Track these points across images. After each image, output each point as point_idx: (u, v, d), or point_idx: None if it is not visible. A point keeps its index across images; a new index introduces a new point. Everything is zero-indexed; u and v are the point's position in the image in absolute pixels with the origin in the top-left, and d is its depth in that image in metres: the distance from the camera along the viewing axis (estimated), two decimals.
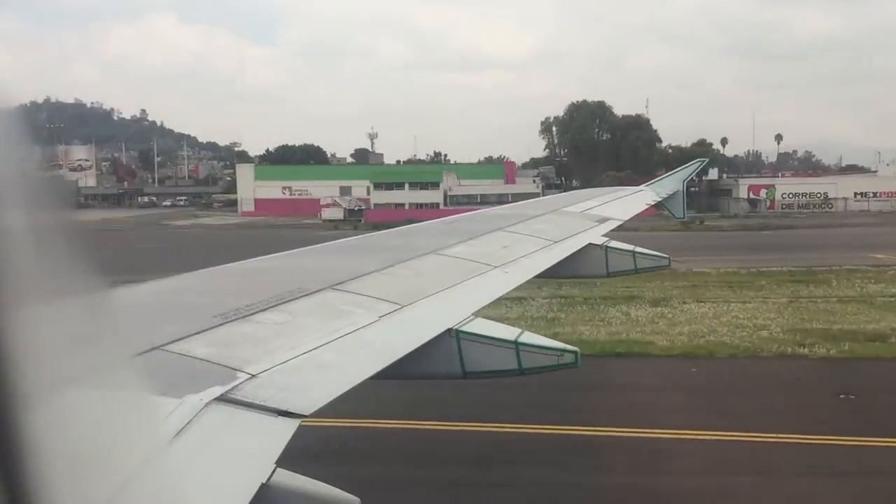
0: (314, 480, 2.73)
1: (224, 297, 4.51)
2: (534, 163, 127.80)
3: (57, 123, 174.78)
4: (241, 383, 3.15)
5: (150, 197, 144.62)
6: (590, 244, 8.73)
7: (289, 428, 2.91)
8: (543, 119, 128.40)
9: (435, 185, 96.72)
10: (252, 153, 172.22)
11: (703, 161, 19.15)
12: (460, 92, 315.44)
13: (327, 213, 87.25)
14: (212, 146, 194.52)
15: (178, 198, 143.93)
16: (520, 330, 4.81)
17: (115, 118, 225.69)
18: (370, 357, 3.95)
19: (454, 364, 4.57)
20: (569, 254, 8.10)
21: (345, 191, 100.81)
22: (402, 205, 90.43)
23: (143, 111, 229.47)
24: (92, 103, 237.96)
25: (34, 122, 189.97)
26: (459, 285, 5.67)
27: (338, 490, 2.78)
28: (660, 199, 14.65)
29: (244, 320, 4.02)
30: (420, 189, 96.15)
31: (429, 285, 5.47)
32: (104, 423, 1.99)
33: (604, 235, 9.41)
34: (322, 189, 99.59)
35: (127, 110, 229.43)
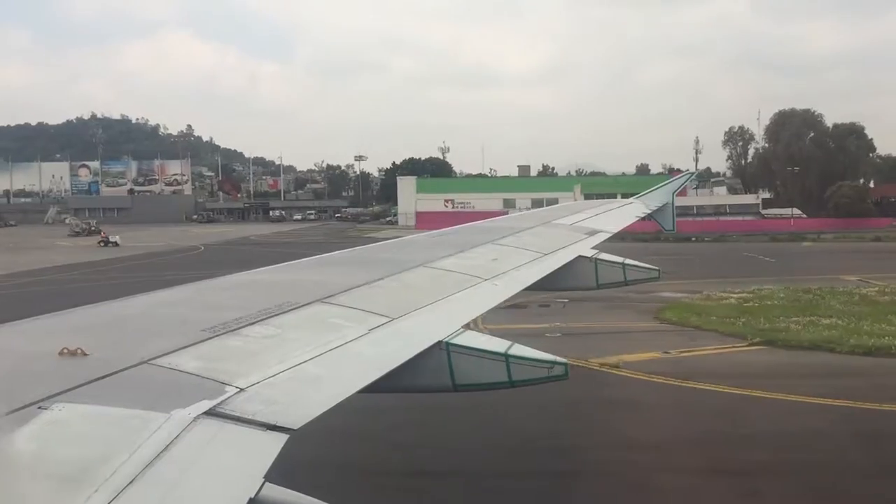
0: (302, 495, 2.72)
1: (213, 311, 4.49)
2: (699, 175, 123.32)
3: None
4: (229, 397, 3.14)
5: (280, 211, 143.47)
6: (580, 256, 8.74)
7: (277, 442, 2.89)
8: (727, 129, 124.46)
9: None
10: (299, 168, 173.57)
11: (692, 174, 19.38)
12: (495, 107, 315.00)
13: None
14: (259, 161, 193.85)
15: (308, 212, 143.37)
16: (510, 342, 4.81)
17: (161, 133, 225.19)
18: (360, 370, 3.93)
19: (444, 377, 4.57)
20: (559, 266, 8.11)
21: (508, 203, 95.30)
22: None
23: (190, 127, 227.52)
24: (137, 119, 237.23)
25: (93, 137, 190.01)
26: (449, 298, 5.67)
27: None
28: (650, 212, 14.72)
29: (233, 334, 4.01)
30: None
31: (419, 298, 5.46)
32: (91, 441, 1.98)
33: (593, 248, 9.43)
34: (485, 202, 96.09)
35: (173, 126, 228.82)
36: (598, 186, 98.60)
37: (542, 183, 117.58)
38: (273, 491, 2.57)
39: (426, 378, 4.53)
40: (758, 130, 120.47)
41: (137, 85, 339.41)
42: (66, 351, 3.35)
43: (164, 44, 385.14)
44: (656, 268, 9.47)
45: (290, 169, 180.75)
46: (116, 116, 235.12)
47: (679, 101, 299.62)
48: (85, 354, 3.35)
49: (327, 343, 4.10)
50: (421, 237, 10.25)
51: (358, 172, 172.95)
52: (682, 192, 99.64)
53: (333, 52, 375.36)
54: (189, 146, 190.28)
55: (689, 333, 22.19)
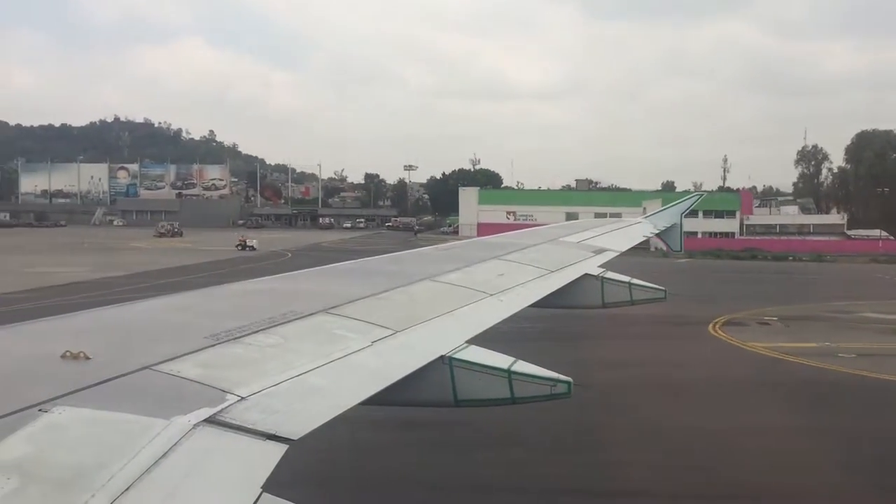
0: None
1: (217, 318, 4.48)
2: (763, 194, 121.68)
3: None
4: (230, 405, 3.13)
5: (329, 219, 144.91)
6: (586, 274, 8.72)
7: (277, 452, 2.88)
8: (800, 148, 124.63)
9: (731, 214, 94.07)
10: (324, 175, 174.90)
11: (701, 195, 19.27)
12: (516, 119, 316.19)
13: None
14: (281, 168, 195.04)
15: (357, 220, 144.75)
16: (513, 358, 4.78)
17: (184, 137, 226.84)
18: (362, 382, 3.92)
19: (446, 392, 4.54)
20: (565, 283, 8.08)
21: (571, 216, 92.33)
22: (695, 233, 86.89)
23: (212, 132, 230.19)
24: (159, 123, 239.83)
25: (118, 140, 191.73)
26: (454, 312, 5.65)
27: None
28: (657, 232, 14.69)
29: (236, 342, 4.00)
30: (714, 217, 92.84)
31: (423, 311, 5.44)
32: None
33: (600, 266, 9.40)
34: (547, 214, 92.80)
35: (195, 130, 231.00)
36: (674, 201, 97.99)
37: (605, 197, 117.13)
38: (270, 501, 2.55)
39: (428, 392, 4.51)
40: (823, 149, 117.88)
41: (159, 89, 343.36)
42: (68, 354, 3.35)
43: (185, 50, 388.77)
44: (662, 288, 9.43)
45: (312, 177, 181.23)
46: (139, 120, 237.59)
47: (691, 118, 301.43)
48: (87, 358, 3.35)
49: (330, 354, 4.09)
50: (428, 250, 10.24)
51: (403, 181, 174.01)
52: (748, 210, 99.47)
53: (351, 61, 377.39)
54: (211, 151, 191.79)
55: None
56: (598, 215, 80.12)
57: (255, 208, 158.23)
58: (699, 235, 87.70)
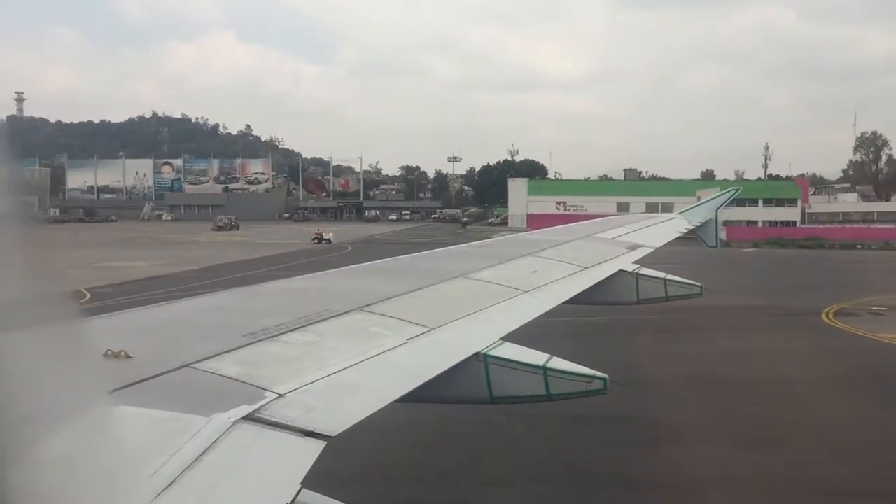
0: (338, 502, 2.71)
1: (253, 317, 4.54)
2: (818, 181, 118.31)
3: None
4: (268, 403, 3.16)
5: (375, 211, 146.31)
6: (620, 271, 8.66)
7: (315, 449, 2.90)
8: (859, 135, 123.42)
9: (792, 202, 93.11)
10: (357, 168, 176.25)
11: (737, 190, 18.95)
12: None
13: None
14: (317, 161, 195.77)
15: (403, 212, 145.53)
16: (548, 355, 4.76)
17: (221, 132, 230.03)
18: (397, 379, 3.93)
19: (482, 388, 4.54)
20: (599, 280, 8.04)
21: (622, 207, 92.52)
22: (755, 222, 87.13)
23: (248, 126, 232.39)
24: (196, 118, 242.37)
25: (157, 135, 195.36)
26: (488, 309, 5.65)
27: None
28: (692, 228, 14.52)
29: (273, 340, 4.04)
30: (775, 206, 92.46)
31: (457, 309, 5.45)
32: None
33: (634, 262, 9.33)
34: (598, 205, 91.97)
35: (232, 125, 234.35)
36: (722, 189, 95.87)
37: (656, 186, 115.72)
38: (309, 497, 2.57)
39: (463, 389, 4.51)
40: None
41: (193, 85, 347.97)
42: (110, 353, 3.41)
43: (219, 45, 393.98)
44: (699, 284, 9.34)
45: (349, 170, 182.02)
46: (177, 115, 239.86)
47: (728, 106, 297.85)
48: (129, 357, 3.40)
49: (366, 351, 4.12)
50: (462, 248, 10.25)
51: (442, 173, 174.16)
52: (806, 199, 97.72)
53: (382, 54, 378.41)
54: (249, 145, 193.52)
55: None
56: (649, 205, 79.09)
57: (298, 201, 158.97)
58: (759, 224, 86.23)
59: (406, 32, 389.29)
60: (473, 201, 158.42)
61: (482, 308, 5.63)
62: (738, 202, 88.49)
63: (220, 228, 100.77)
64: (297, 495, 2.53)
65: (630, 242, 10.81)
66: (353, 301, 5.15)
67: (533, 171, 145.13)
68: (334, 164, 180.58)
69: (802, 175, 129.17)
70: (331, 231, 77.95)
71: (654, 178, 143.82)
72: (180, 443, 2.65)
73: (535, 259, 8.36)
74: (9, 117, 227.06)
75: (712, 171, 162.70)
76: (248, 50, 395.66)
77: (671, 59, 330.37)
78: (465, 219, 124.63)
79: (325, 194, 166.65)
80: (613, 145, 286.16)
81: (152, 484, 2.37)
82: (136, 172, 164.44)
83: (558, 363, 4.71)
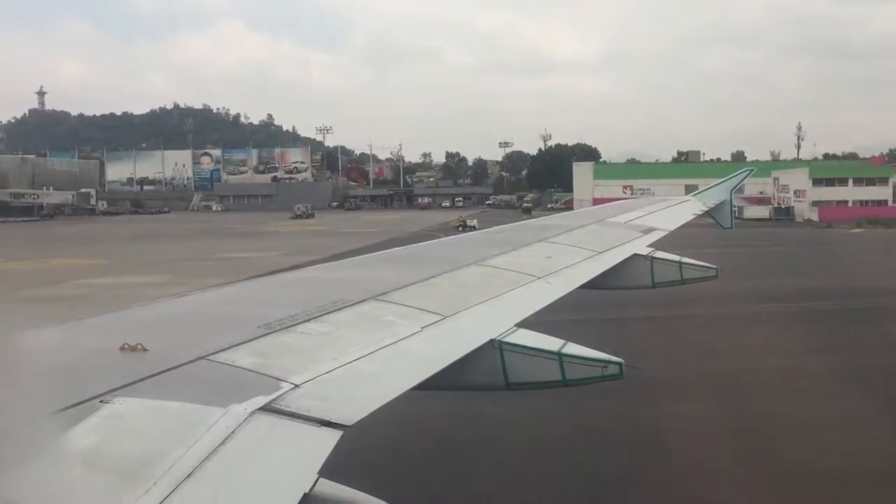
0: (357, 491, 2.72)
1: (268, 308, 4.54)
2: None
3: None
4: (284, 393, 3.17)
5: (427, 198, 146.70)
6: (635, 255, 8.60)
7: (331, 438, 2.91)
8: None
9: (883, 181, 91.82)
10: (383, 156, 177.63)
11: (751, 170, 18.76)
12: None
13: (751, 212, 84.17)
14: (340, 150, 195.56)
15: (456, 198, 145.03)
16: (563, 341, 4.75)
17: (243, 122, 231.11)
18: (413, 368, 3.93)
19: (497, 375, 4.54)
20: (613, 264, 8.00)
21: (690, 189, 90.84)
22: (845, 202, 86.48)
23: (270, 116, 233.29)
24: (218, 109, 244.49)
25: (182, 126, 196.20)
26: (502, 296, 5.64)
27: (381, 501, 2.77)
28: (706, 210, 14.42)
29: (288, 331, 4.05)
30: (866, 185, 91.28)
31: (472, 296, 5.44)
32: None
33: (649, 246, 9.27)
34: (666, 188, 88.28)
35: (252, 115, 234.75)
36: (826, 171, 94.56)
37: (723, 168, 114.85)
38: (327, 486, 2.58)
39: (478, 376, 4.51)
40: None
41: (212, 76, 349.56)
42: (126, 346, 3.43)
43: (234, 35, 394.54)
44: (714, 266, 9.28)
45: (371, 159, 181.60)
46: (198, 106, 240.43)
47: (756, 87, 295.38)
48: (145, 350, 3.42)
49: (381, 340, 4.12)
50: (475, 234, 10.22)
51: (482, 159, 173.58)
52: (841, 183, 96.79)
53: (402, 42, 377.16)
54: (270, 135, 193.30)
55: None
56: None
57: (347, 189, 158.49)
58: (850, 204, 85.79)
59: (418, 16, 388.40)
60: (524, 187, 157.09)
61: (496, 295, 5.62)
62: (828, 182, 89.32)
63: (298, 217, 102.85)
64: (314, 485, 2.54)
65: (644, 226, 10.75)
66: (367, 290, 5.15)
67: (586, 155, 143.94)
68: (358, 152, 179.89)
69: (859, 155, 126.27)
70: (474, 218, 77.13)
71: (713, 161, 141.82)
72: (198, 434, 2.66)
73: (548, 245, 8.33)
74: (31, 111, 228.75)
75: (743, 153, 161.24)
76: (259, 39, 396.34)
77: (695, 40, 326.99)
78: (527, 204, 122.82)
79: (366, 183, 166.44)
80: (639, 128, 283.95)
81: (172, 475, 2.39)
82: (175, 163, 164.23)
83: (573, 349, 4.70)
